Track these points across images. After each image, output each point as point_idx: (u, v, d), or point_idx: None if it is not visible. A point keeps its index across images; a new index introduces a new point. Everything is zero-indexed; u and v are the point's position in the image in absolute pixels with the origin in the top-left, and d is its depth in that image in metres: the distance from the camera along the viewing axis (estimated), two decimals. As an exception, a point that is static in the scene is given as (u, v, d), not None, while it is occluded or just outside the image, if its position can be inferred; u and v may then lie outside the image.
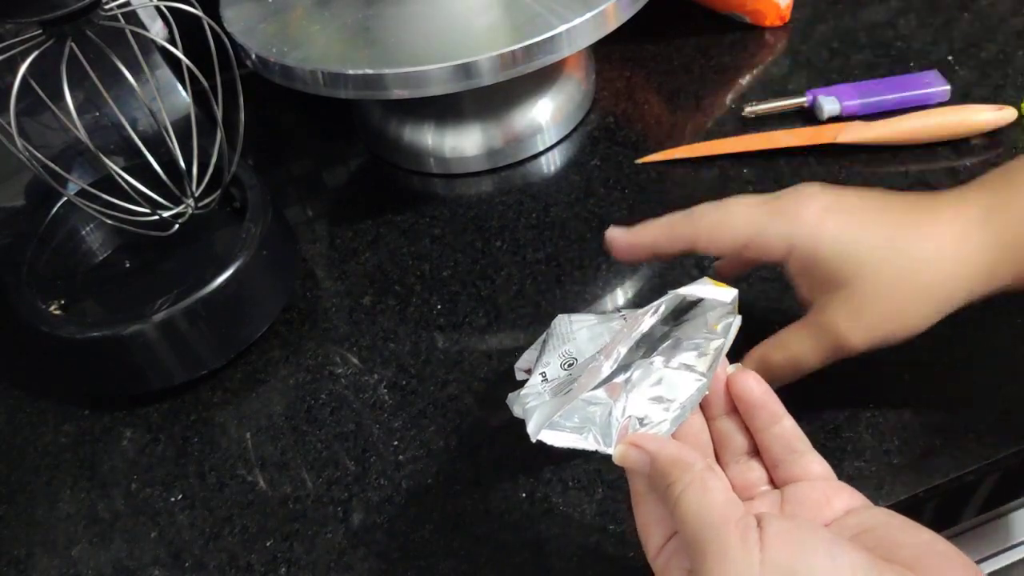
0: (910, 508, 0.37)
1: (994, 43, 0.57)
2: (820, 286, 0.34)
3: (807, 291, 0.35)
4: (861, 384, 0.41)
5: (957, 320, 0.34)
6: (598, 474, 0.39)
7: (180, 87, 0.52)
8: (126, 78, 0.40)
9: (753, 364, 0.36)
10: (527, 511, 0.39)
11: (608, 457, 0.30)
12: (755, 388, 0.31)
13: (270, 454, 0.43)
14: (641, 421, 0.31)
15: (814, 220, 0.34)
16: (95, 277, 0.50)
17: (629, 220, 0.50)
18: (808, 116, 0.55)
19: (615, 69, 0.62)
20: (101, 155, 0.41)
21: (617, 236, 0.39)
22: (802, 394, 0.41)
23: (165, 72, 0.52)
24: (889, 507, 0.36)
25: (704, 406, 0.32)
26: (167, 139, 0.46)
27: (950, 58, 0.57)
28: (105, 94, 0.47)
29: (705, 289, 0.33)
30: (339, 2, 0.52)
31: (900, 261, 0.32)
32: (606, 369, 0.32)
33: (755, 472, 0.31)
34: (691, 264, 0.47)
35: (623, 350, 0.32)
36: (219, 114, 0.45)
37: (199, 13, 0.43)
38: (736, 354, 0.34)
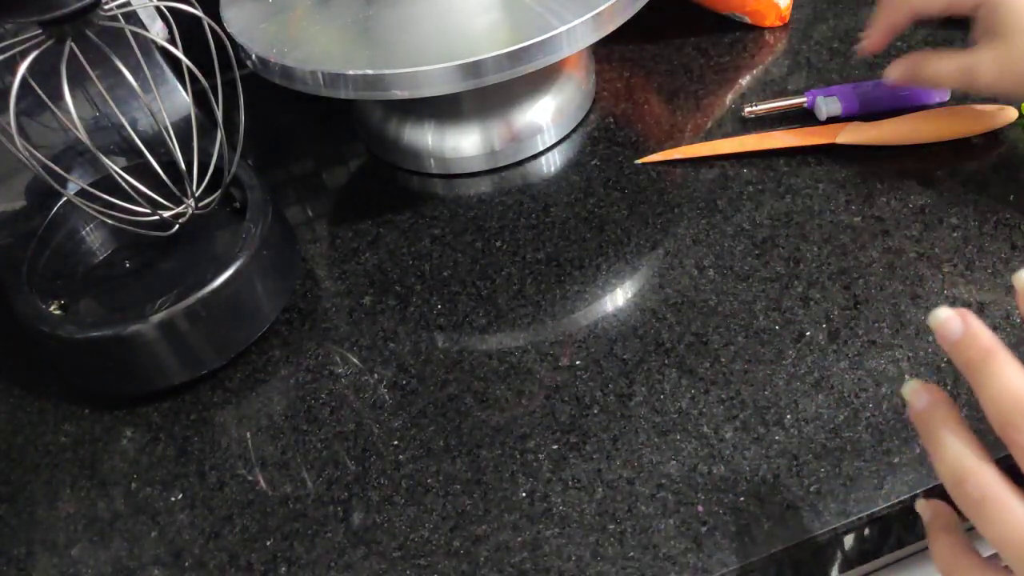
0: (910, 508, 0.37)
1: (994, 43, 0.57)
2: (985, 35, 0.44)
3: (975, 38, 0.45)
4: (861, 384, 0.41)
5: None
6: (598, 474, 0.39)
7: (180, 87, 0.52)
8: (126, 78, 0.40)
9: (901, 62, 0.48)
10: (527, 511, 0.39)
11: None
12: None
13: (270, 454, 0.43)
14: None
15: None
16: (95, 277, 0.50)
17: (629, 220, 0.51)
18: (808, 116, 0.55)
19: (615, 69, 0.62)
20: (101, 155, 0.41)
21: (865, 46, 0.51)
22: (801, 393, 0.41)
23: (165, 72, 0.52)
24: (888, 507, 0.37)
25: None
26: (167, 139, 0.46)
27: (950, 58, 0.57)
28: (105, 94, 0.47)
29: None
30: (339, 2, 0.52)
31: None
32: None
33: None
34: (691, 265, 0.47)
35: None
36: (219, 114, 0.45)
37: (199, 13, 0.43)
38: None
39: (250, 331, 0.47)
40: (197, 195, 0.46)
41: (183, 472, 0.43)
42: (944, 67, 0.46)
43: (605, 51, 0.63)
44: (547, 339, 0.46)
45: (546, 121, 0.56)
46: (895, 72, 0.48)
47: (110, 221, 0.45)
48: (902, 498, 0.37)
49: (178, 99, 0.52)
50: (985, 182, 0.49)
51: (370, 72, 0.46)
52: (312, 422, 0.44)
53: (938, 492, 0.37)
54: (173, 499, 0.42)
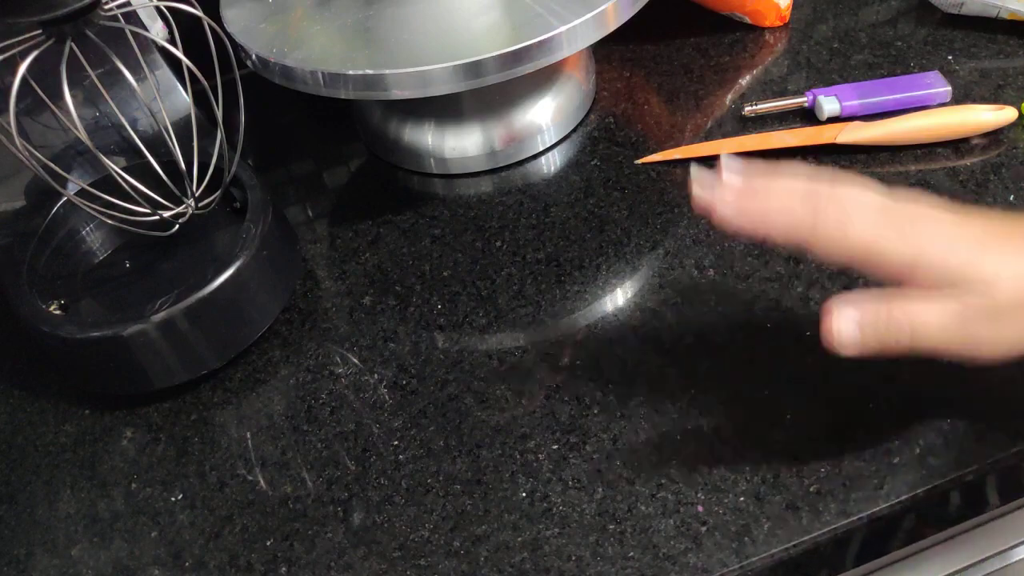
0: (910, 508, 0.37)
1: (994, 43, 0.57)
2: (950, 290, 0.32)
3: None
4: (860, 384, 0.41)
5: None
6: (598, 474, 0.39)
7: (180, 87, 0.52)
8: (126, 78, 0.40)
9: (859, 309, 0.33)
10: (527, 511, 0.39)
11: None
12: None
13: (270, 454, 0.43)
14: None
15: (941, 246, 0.32)
16: (95, 277, 0.50)
17: (629, 220, 0.51)
18: (808, 116, 0.55)
19: (615, 69, 0.62)
20: (101, 155, 0.41)
21: (728, 209, 0.34)
22: (801, 393, 0.41)
23: (165, 72, 0.52)
24: (889, 507, 0.37)
25: None
26: (167, 139, 0.46)
27: (950, 58, 0.57)
28: (105, 94, 0.47)
29: None
30: (339, 2, 0.52)
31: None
32: None
33: None
34: (691, 265, 0.48)
35: None
36: (219, 114, 0.45)
37: (199, 13, 0.43)
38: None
39: (250, 331, 0.47)
40: (197, 195, 0.46)
41: (183, 472, 0.43)
42: (928, 311, 0.32)
43: (605, 51, 0.63)
44: (547, 339, 0.46)
45: (546, 121, 0.56)
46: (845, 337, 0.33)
47: (110, 221, 0.45)
48: (902, 498, 0.37)
49: (178, 99, 0.52)
50: (985, 182, 0.49)
51: (370, 72, 0.46)
52: (312, 422, 0.44)
53: (938, 492, 0.37)
54: (173, 499, 0.42)
